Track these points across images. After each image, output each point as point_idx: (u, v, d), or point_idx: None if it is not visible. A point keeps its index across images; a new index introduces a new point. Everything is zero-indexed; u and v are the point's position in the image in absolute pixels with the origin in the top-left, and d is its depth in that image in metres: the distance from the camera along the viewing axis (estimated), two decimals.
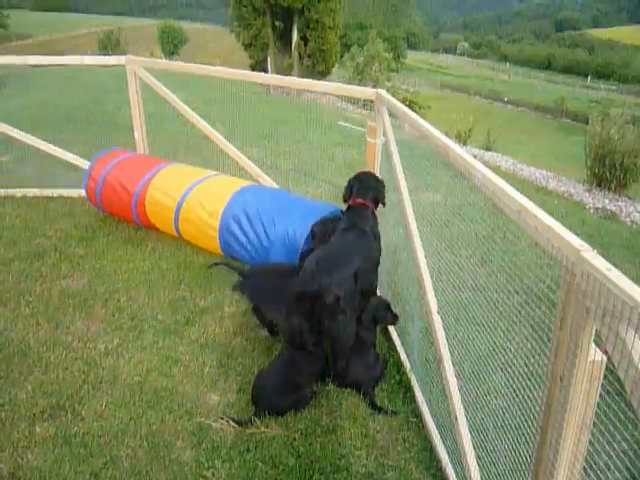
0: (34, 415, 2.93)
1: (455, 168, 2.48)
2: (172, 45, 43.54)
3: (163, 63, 5.66)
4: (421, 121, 3.07)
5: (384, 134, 4.04)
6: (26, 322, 3.71)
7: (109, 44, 24.72)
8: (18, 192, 5.95)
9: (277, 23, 17.74)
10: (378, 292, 4.09)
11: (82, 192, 5.67)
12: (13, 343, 3.50)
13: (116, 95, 11.81)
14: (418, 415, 3.04)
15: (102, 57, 6.04)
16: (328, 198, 6.11)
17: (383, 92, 4.00)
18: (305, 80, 4.82)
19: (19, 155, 7.19)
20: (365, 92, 4.27)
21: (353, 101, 13.51)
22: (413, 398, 3.16)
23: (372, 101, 4.18)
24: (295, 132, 9.10)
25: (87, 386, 3.14)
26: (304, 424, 2.92)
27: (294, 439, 2.84)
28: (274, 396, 2.96)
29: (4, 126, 5.96)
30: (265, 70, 20.40)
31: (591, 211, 8.48)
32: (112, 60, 5.75)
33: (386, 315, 3.41)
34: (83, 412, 2.96)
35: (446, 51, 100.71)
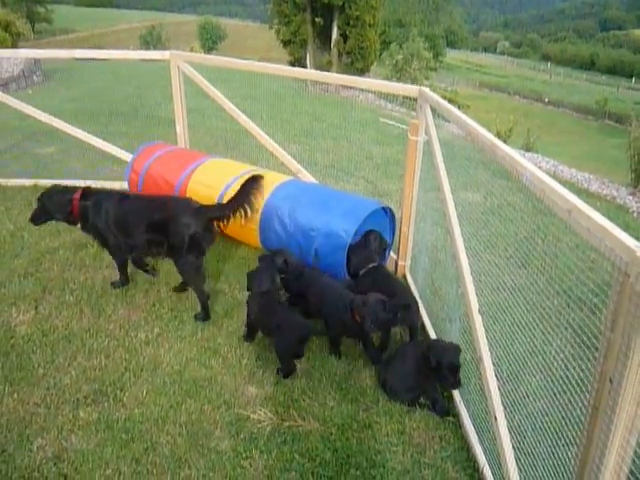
0: (78, 400, 3.02)
1: (502, 166, 2.45)
2: (211, 41, 43.95)
3: (207, 58, 5.72)
4: (466, 118, 3.04)
5: (426, 132, 4.02)
6: (70, 310, 3.81)
7: (150, 39, 25.12)
8: (63, 183, 6.06)
9: (317, 20, 17.75)
10: (415, 292, 4.08)
11: (124, 184, 5.79)
12: (58, 330, 3.60)
13: (157, 90, 12.03)
14: (455, 414, 3.02)
15: (147, 52, 6.16)
16: (365, 196, 6.10)
17: (426, 90, 3.98)
18: (349, 77, 4.81)
19: (64, 147, 7.40)
20: (408, 89, 4.24)
21: (391, 99, 13.44)
22: (450, 397, 3.13)
23: (414, 99, 4.16)
24: (333, 129, 9.11)
25: (128, 373, 3.21)
26: (341, 419, 2.94)
27: (330, 433, 2.85)
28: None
29: (51, 118, 6.12)
30: (304, 67, 20.47)
31: (634, 215, 8.26)
32: (156, 55, 5.84)
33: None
34: (125, 398, 3.03)
35: (486, 50, 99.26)
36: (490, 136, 2.62)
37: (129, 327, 3.63)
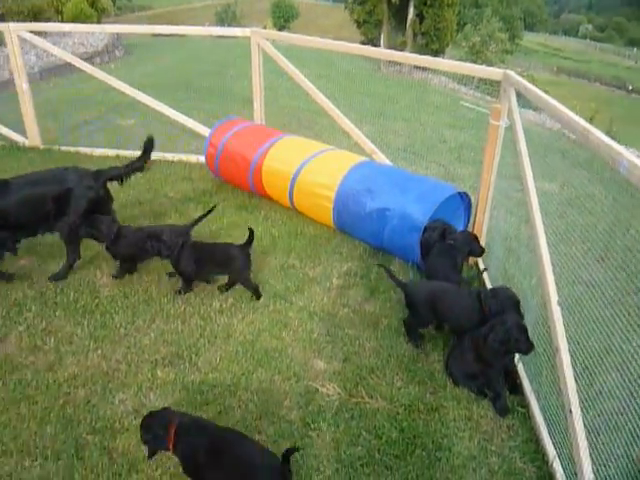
0: (156, 360, 3.17)
1: (595, 154, 2.37)
2: (283, 19, 44.05)
3: (287, 36, 5.75)
4: (556, 103, 2.94)
5: (508, 117, 3.92)
6: (150, 276, 3.99)
7: (225, 17, 25.45)
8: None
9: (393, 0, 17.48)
10: (488, 280, 4.02)
11: (200, 158, 5.96)
12: (138, 293, 3.78)
13: (232, 67, 12.21)
14: (525, 405, 2.98)
15: (228, 28, 6.26)
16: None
17: (512, 73, 3.87)
18: (432, 58, 4.73)
19: (144, 120, 7.65)
20: (492, 72, 4.14)
21: (466, 82, 13.12)
22: (521, 387, 3.09)
23: (496, 82, 4.06)
24: (405, 111, 9.00)
25: (203, 339, 3.34)
26: (408, 400, 2.95)
27: (397, 413, 2.88)
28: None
29: (135, 92, 6.34)
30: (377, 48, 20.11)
31: None
32: (237, 32, 5.92)
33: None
34: (199, 363, 3.16)
35: (566, 33, 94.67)
36: (583, 122, 2.54)
37: (204, 296, 3.76)
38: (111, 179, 4.16)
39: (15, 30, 6.25)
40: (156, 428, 2.34)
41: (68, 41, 13.13)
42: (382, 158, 5.40)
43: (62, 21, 14.42)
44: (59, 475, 2.49)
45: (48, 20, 14.00)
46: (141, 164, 4.26)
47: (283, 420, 2.80)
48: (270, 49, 5.60)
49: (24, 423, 2.75)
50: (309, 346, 3.32)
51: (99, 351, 3.24)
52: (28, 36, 6.37)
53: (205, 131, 6.25)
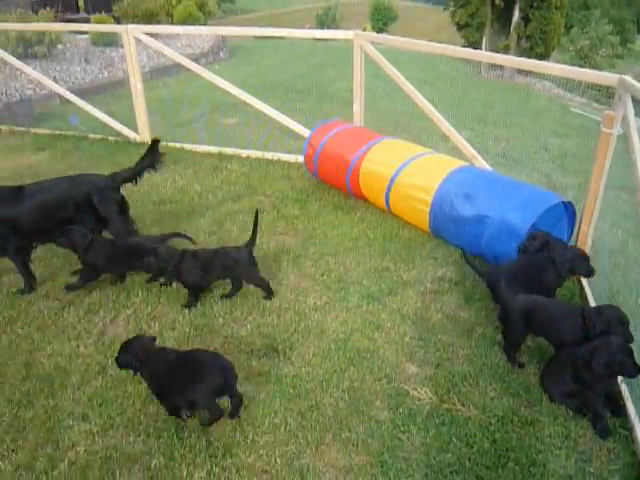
0: (252, 351, 3.29)
1: None
2: (381, 22, 43.83)
3: (391, 39, 5.76)
4: None
5: (622, 125, 3.73)
6: None
7: (326, 20, 25.78)
8: (243, 152, 6.55)
9: (497, 1, 16.93)
10: (590, 296, 3.83)
11: (299, 158, 6.09)
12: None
13: (331, 69, 12.37)
14: (628, 428, 2.82)
15: (331, 31, 6.38)
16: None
17: (629, 78, 3.67)
18: (539, 62, 4.59)
19: (244, 119, 7.92)
20: (606, 77, 3.95)
21: (572, 88, 12.54)
22: (624, 409, 2.93)
23: (608, 88, 3.87)
24: (506, 116, 8.74)
25: (297, 335, 3.42)
26: (501, 411, 2.88)
27: (490, 423, 2.82)
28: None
29: (240, 92, 6.57)
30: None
31: None
32: (341, 34, 6.01)
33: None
34: (293, 357, 3.24)
35: None
36: None
37: (299, 292, 3.85)
38: (125, 181, 4.32)
39: (132, 32, 6.67)
40: (130, 353, 2.81)
41: (177, 43, 13.79)
42: (482, 164, 5.29)
43: (172, 23, 15.16)
44: (160, 451, 2.64)
45: (159, 22, 14.78)
46: (150, 162, 4.42)
47: (373, 420, 2.82)
48: (372, 51, 5.63)
49: (130, 400, 2.94)
50: (401, 349, 3.32)
51: (199, 338, 3.41)
52: (144, 37, 6.77)
53: (304, 131, 6.37)
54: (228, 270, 3.71)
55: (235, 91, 6.59)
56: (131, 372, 2.83)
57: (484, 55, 5.34)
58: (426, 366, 3.19)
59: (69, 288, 3.86)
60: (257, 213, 3.78)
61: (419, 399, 2.95)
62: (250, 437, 2.71)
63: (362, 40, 5.70)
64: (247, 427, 2.76)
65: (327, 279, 4.00)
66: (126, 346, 2.86)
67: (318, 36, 6.81)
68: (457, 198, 4.18)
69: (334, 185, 5.40)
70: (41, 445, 2.69)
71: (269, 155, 6.43)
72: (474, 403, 2.93)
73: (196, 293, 3.74)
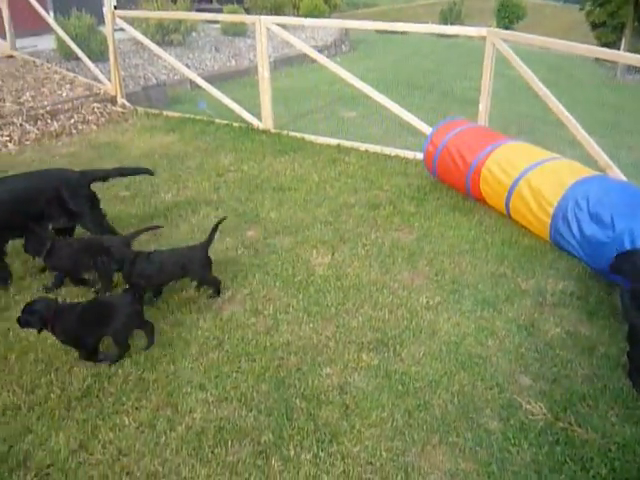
0: (362, 343, 3.31)
1: None
2: (507, 20, 42.11)
3: (527, 37, 5.52)
4: None
5: None
6: (361, 262, 4.16)
7: (450, 16, 25.22)
8: (362, 146, 6.58)
9: None
10: None
11: (417, 155, 6.03)
12: (349, 277, 3.97)
13: (452, 67, 12.12)
14: None
15: (461, 27, 6.20)
16: None
17: None
18: None
19: (364, 113, 7.96)
20: None
21: None
22: None
23: None
24: None
25: (408, 332, 3.40)
26: (622, 438, 2.70)
27: (609, 450, 2.65)
28: None
29: (363, 85, 6.60)
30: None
31: None
32: (472, 31, 5.86)
33: None
34: (403, 354, 3.22)
35: None
36: None
37: (412, 289, 3.82)
38: (95, 179, 4.36)
39: (265, 22, 6.89)
40: (35, 313, 3.06)
41: (301, 34, 14.09)
42: (617, 174, 4.96)
43: (297, 15, 15.51)
44: (270, 429, 2.73)
45: (285, 14, 15.17)
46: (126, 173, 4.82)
47: (482, 428, 2.74)
48: (505, 50, 5.44)
49: (244, 376, 3.06)
50: (515, 359, 3.20)
51: (311, 325, 3.48)
52: (275, 28, 6.98)
53: (424, 128, 6.30)
54: (184, 270, 3.71)
55: (358, 84, 6.63)
56: (246, 350, 2.95)
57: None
58: (541, 380, 3.06)
59: (47, 289, 3.89)
60: (223, 219, 3.91)
61: (532, 413, 2.83)
62: (357, 427, 2.73)
63: (495, 37, 5.52)
64: (354, 417, 2.79)
65: (441, 279, 3.94)
66: (30, 307, 3.10)
67: (447, 32, 6.70)
68: (582, 212, 3.94)
69: (453, 185, 5.29)
70: (162, 407, 2.87)
71: (387, 150, 6.41)
72: (592, 426, 2.77)
73: (153, 293, 3.73)
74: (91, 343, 3.17)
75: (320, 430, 2.72)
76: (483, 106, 5.77)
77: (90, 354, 3.18)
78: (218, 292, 3.78)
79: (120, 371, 3.11)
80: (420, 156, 5.80)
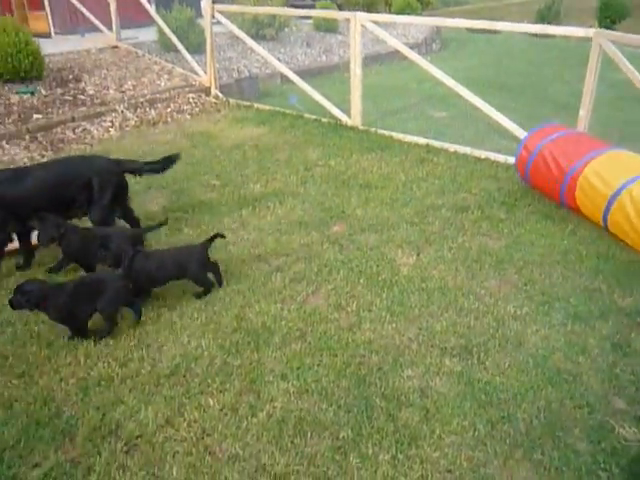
0: (445, 348, 3.25)
1: None
2: (609, 19, 39.92)
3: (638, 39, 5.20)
4: None
5: None
6: (446, 265, 4.09)
7: (547, 15, 24.21)
8: (451, 147, 6.46)
9: None
10: None
11: (509, 159, 5.85)
12: (434, 280, 3.91)
13: (548, 69, 11.64)
14: None
15: (566, 27, 5.90)
16: None
17: None
18: None
19: (454, 113, 7.81)
20: None
21: None
22: None
23: None
24: None
25: (493, 341, 3.31)
26: None
27: None
28: None
29: (456, 84, 6.47)
30: None
31: None
32: (578, 31, 5.59)
33: None
34: (487, 363, 3.14)
35: None
36: None
37: (499, 297, 3.72)
38: (130, 171, 4.40)
39: (360, 19, 6.89)
40: (26, 294, 3.23)
41: (392, 32, 13.98)
42: None
43: (389, 12, 15.40)
44: (349, 425, 2.74)
45: (378, 11, 15.10)
46: (158, 169, 4.55)
47: (570, 448, 2.63)
48: (614, 52, 5.16)
49: (325, 370, 3.09)
50: (608, 379, 3.04)
51: (394, 325, 3.46)
52: (369, 25, 6.96)
53: (517, 131, 6.09)
54: (181, 269, 3.70)
55: (450, 83, 6.50)
56: (328, 344, 2.97)
57: None
58: (637, 405, 2.89)
59: (50, 271, 4.03)
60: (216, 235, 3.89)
61: (626, 439, 2.68)
62: (437, 433, 2.69)
63: (602, 38, 5.25)
64: (434, 422, 2.75)
65: (530, 289, 3.80)
66: (21, 289, 3.27)
67: (551, 32, 6.43)
68: None
69: (545, 192, 5.09)
70: (245, 392, 2.95)
71: (477, 152, 6.25)
72: None
73: (148, 293, 3.75)
74: (82, 319, 3.36)
75: (399, 432, 2.70)
76: (584, 112, 5.51)
77: (80, 330, 3.37)
78: (206, 293, 3.79)
79: (206, 354, 3.22)
80: (511, 160, 5.63)
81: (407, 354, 3.21)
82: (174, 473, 2.51)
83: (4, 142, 6.82)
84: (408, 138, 6.77)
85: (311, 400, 2.90)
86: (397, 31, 14.36)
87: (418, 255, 4.21)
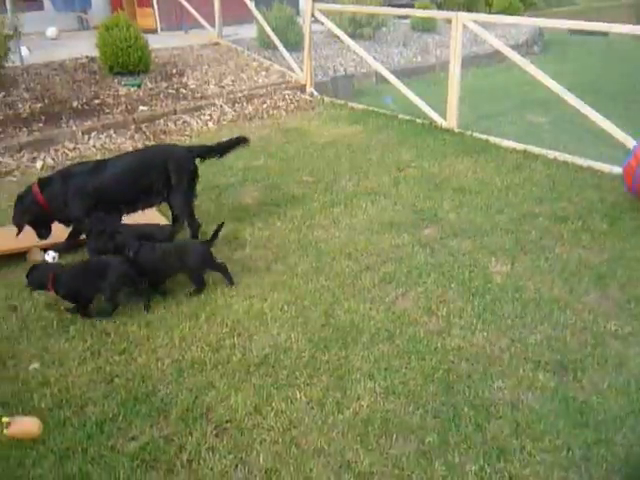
0: (539, 362, 3.13)
1: None
2: None
3: None
4: None
5: None
6: (542, 276, 3.93)
7: None
8: (550, 153, 6.20)
9: None
10: None
11: (614, 168, 5.54)
12: (529, 291, 3.78)
13: None
14: None
15: None
16: None
17: None
18: None
19: (553, 118, 7.51)
20: None
21: None
22: None
23: None
24: None
25: (591, 359, 3.15)
26: None
27: None
28: None
29: (560, 88, 6.20)
30: None
31: None
32: None
33: None
34: (584, 381, 2.99)
35: None
36: None
37: (598, 314, 3.53)
38: (202, 156, 4.53)
39: (462, 19, 6.76)
40: (39, 275, 3.57)
41: (491, 32, 13.61)
42: None
43: (490, 12, 14.99)
44: (435, 431, 2.70)
45: (477, 11, 14.73)
46: (225, 149, 4.71)
47: None
48: None
49: (413, 373, 3.06)
50: None
51: (485, 333, 3.37)
52: (472, 25, 6.82)
53: (625, 140, 5.76)
54: (182, 263, 3.78)
55: (554, 86, 6.24)
56: (416, 348, 2.94)
57: None
58: None
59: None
60: (222, 224, 3.98)
61: None
62: (527, 449, 2.60)
63: None
64: (525, 438, 2.66)
65: (634, 308, 3.58)
66: (35, 271, 3.59)
67: None
68: None
69: None
70: (331, 388, 2.98)
71: (580, 160, 5.96)
72: None
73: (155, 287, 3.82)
74: (86, 298, 3.63)
75: (487, 443, 2.63)
76: None
77: (85, 308, 3.61)
78: (198, 293, 3.81)
79: (295, 346, 3.28)
80: (617, 170, 5.33)
81: (498, 365, 3.13)
82: (260, 460, 2.57)
83: (112, 131, 7.24)
84: (505, 143, 6.56)
85: (397, 402, 2.88)
86: (496, 32, 13.95)
87: (512, 264, 4.08)
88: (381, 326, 3.44)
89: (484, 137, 6.76)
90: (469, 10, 14.19)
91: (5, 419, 2.71)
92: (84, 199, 4.07)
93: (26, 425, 2.76)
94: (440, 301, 3.68)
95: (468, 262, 4.11)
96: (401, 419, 2.77)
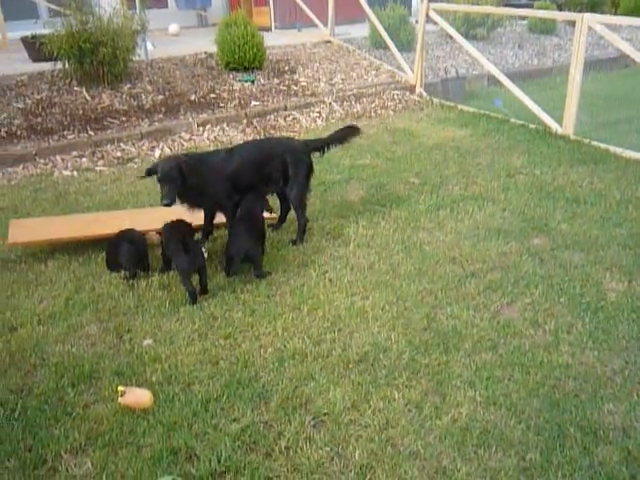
0: None
1: None
2: None
3: None
4: None
5: None
6: None
7: None
8: None
9: None
10: None
11: None
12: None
13: None
14: None
15: None
16: None
17: None
18: None
19: None
20: None
21: None
22: None
23: None
24: None
25: None
26: None
27: None
28: None
29: None
30: None
31: None
32: None
33: None
34: None
35: None
36: None
37: None
38: (317, 150, 4.56)
39: (587, 21, 6.42)
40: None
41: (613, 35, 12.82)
42: None
43: (616, 14, 14.09)
44: (537, 448, 2.60)
45: (603, 12, 13.90)
46: (339, 139, 4.72)
47: None
48: None
49: (516, 386, 2.96)
50: None
51: (596, 352, 3.20)
52: (598, 27, 6.46)
53: None
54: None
55: None
56: (520, 360, 2.84)
57: None
58: None
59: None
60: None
61: None
62: (638, 478, 2.45)
63: None
64: (637, 467, 2.48)
65: None
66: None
67: None
68: None
69: None
70: (430, 392, 2.95)
71: None
72: None
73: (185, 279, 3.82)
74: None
75: (594, 468, 2.50)
76: None
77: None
78: (205, 292, 3.88)
79: (395, 347, 3.28)
80: None
81: (609, 387, 2.96)
82: (356, 456, 2.60)
83: (225, 124, 7.56)
84: (627, 153, 6.17)
85: (498, 413, 2.81)
86: (621, 35, 13.11)
87: (630, 282, 3.83)
88: (484, 334, 3.36)
89: (604, 146, 6.39)
90: (593, 11, 13.41)
91: (121, 388, 2.92)
92: (224, 183, 4.24)
93: (139, 396, 2.95)
94: (548, 314, 3.53)
95: (580, 276, 3.91)
96: (501, 431, 2.70)
